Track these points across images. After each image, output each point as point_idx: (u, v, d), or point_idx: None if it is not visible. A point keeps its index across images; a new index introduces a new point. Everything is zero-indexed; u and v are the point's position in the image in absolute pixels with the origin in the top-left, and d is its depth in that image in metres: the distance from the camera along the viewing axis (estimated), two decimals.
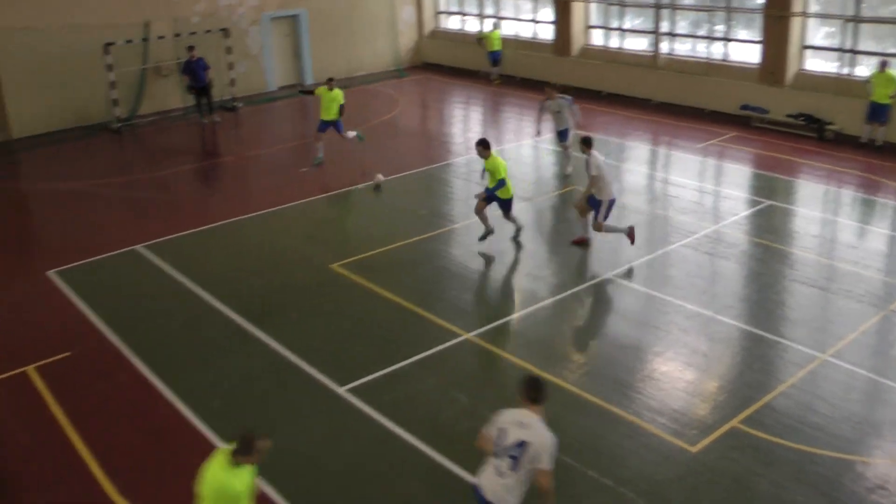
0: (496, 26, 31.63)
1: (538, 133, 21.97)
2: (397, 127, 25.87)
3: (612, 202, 15.46)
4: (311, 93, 21.83)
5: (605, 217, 15.36)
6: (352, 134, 21.59)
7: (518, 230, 16.22)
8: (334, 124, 21.11)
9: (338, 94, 21.00)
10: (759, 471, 9.48)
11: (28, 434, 10.82)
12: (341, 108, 21.06)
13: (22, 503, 9.55)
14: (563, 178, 20.19)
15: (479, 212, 15.91)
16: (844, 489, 9.21)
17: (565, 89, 29.10)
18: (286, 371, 11.89)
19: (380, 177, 19.97)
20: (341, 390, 11.28)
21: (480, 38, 31.41)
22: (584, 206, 15.71)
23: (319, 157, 21.39)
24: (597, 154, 15.31)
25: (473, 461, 9.66)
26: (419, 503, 9.23)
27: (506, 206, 15.94)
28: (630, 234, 15.45)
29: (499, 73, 31.35)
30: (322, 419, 10.80)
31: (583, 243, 15.90)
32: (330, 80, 21.27)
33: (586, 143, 15.45)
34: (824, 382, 11.27)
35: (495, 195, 15.66)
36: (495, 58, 31.10)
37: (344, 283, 14.60)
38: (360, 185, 19.79)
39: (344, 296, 14.19)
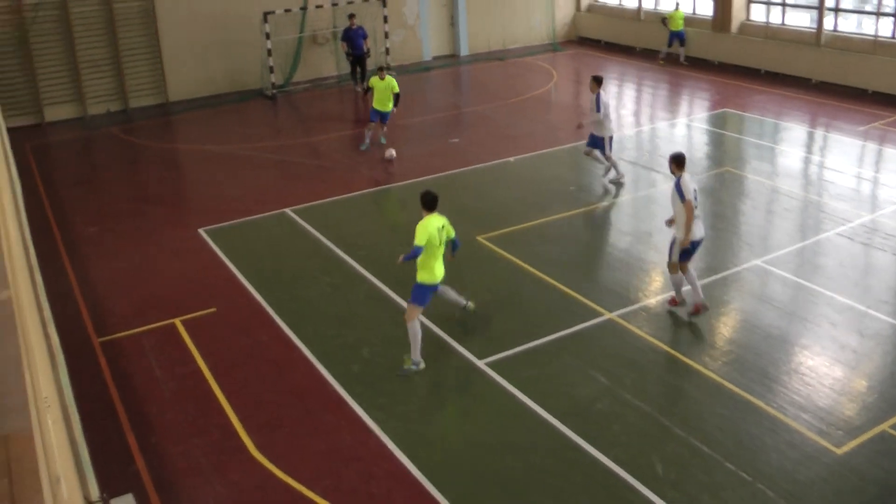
0: (678, 5, 30.08)
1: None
2: (550, 101, 25.71)
3: (696, 244, 12.41)
4: (368, 89, 20.88)
5: (681, 258, 12.36)
6: (389, 152, 20.27)
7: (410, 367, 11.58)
8: (382, 116, 20.58)
9: (390, 81, 20.32)
10: None
11: (173, 383, 11.39)
12: (397, 97, 20.38)
13: (163, 449, 10.03)
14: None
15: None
16: None
17: (723, 67, 28.69)
18: (427, 341, 12.02)
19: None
20: (480, 363, 11.41)
21: (665, 18, 30.08)
22: (676, 263, 12.48)
23: (366, 144, 21.03)
24: (689, 179, 12.25)
25: (608, 441, 9.70)
26: (552, 479, 9.27)
27: (427, 295, 11.49)
28: (696, 308, 12.55)
29: (684, 53, 29.88)
30: (460, 391, 11.00)
31: (698, 310, 12.60)
32: (380, 68, 20.81)
33: (677, 163, 12.22)
34: None
35: (419, 284, 11.40)
36: (677, 37, 29.62)
37: (488, 255, 14.70)
38: (510, 159, 19.80)
39: (488, 269, 14.30)
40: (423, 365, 11.38)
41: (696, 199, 12.16)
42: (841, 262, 14.17)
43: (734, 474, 9.18)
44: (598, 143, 17.74)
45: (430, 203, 11.31)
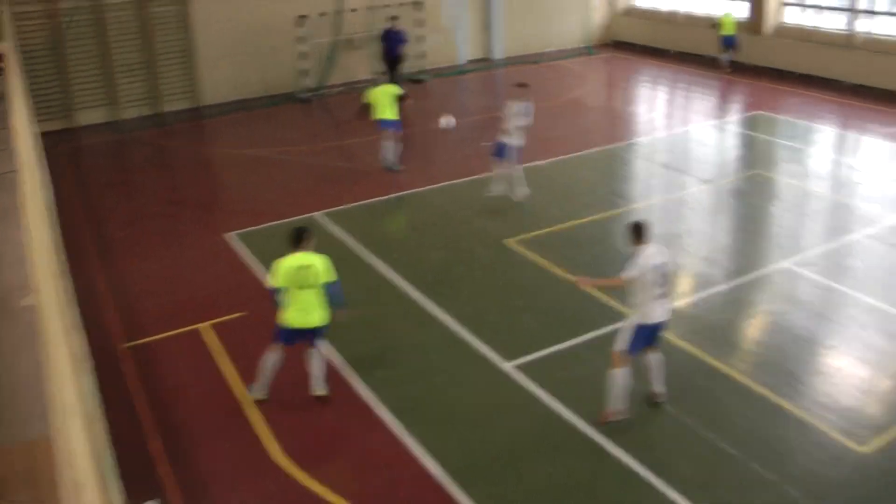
0: (728, 10, 29.40)
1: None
2: (583, 105, 25.67)
3: (654, 328, 9.99)
4: (367, 107, 19.08)
5: (633, 348, 9.93)
6: (392, 162, 19.57)
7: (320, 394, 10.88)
8: (395, 124, 19.08)
9: (388, 88, 18.94)
10: None
11: (200, 387, 11.42)
12: (400, 98, 18.81)
13: (189, 453, 10.11)
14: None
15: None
16: None
17: (756, 69, 28.42)
18: (455, 344, 12.13)
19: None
20: (508, 366, 11.44)
21: (714, 24, 29.25)
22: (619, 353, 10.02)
23: (390, 159, 19.65)
24: (652, 254, 9.74)
25: (636, 445, 9.70)
26: (578, 483, 9.30)
27: (287, 336, 10.68)
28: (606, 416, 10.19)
29: (731, 59, 28.88)
30: (487, 393, 10.99)
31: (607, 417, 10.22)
32: (375, 80, 19.83)
33: (636, 234, 9.85)
34: None
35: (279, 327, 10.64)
36: (728, 43, 28.73)
37: (518, 258, 14.74)
38: (541, 162, 19.78)
39: (517, 272, 14.33)
40: (259, 395, 10.80)
41: (662, 275, 9.70)
42: (870, 263, 14.11)
43: (759, 475, 9.17)
44: (508, 150, 16.90)
45: (293, 239, 10.48)
